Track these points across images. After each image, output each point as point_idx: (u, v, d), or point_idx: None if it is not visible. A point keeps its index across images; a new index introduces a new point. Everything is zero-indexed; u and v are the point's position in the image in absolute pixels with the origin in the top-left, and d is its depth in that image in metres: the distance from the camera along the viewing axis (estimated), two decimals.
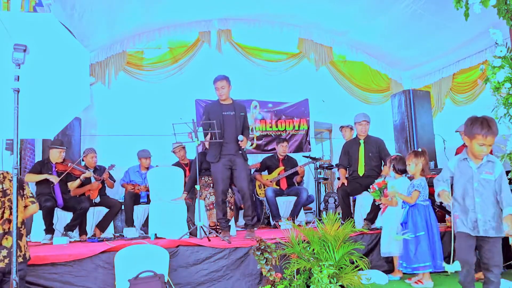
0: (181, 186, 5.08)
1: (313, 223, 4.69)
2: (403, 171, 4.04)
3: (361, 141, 5.04)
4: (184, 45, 7.18)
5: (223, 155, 4.34)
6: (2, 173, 2.76)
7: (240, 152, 4.36)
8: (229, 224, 4.54)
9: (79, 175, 5.13)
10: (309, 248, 3.55)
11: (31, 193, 2.93)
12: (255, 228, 4.67)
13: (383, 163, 5.02)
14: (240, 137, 4.30)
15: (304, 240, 3.64)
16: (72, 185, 5.09)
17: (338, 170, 5.34)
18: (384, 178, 4.30)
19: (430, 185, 4.16)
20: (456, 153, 5.63)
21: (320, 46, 7.59)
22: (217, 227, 4.70)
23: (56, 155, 4.94)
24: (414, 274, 3.70)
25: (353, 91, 7.97)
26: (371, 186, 4.19)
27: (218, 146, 4.34)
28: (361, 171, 4.97)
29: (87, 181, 5.31)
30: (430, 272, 3.66)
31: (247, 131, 4.51)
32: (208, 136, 4.35)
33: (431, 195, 3.92)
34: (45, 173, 4.86)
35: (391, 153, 5.15)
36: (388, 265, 4.18)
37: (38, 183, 4.88)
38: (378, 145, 5.01)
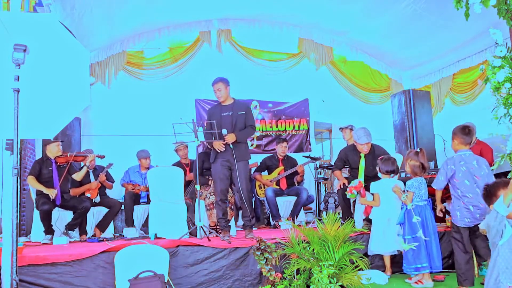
0: (181, 186, 5.08)
1: (313, 223, 4.69)
2: (390, 172, 4.05)
3: (362, 155, 4.94)
4: (184, 45, 7.19)
5: (221, 155, 4.35)
6: None
7: (234, 152, 4.29)
8: (229, 224, 4.54)
9: (83, 160, 5.10)
10: (309, 248, 3.55)
11: None
12: (254, 228, 4.67)
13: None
14: (224, 131, 4.25)
15: (304, 240, 3.64)
16: (79, 175, 5.07)
17: (333, 172, 5.26)
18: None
19: (429, 185, 4.17)
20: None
21: (320, 46, 7.59)
22: (217, 227, 4.70)
23: (54, 150, 4.90)
24: (415, 274, 3.71)
25: (353, 91, 7.96)
26: (348, 189, 4.22)
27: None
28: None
29: (86, 180, 5.31)
30: (431, 272, 3.66)
31: (249, 129, 4.45)
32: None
33: (432, 195, 3.95)
34: (45, 170, 4.84)
35: (391, 154, 5.14)
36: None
37: (39, 182, 4.86)
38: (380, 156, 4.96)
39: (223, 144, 4.27)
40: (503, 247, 2.21)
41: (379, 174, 4.18)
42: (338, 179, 5.06)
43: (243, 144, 4.42)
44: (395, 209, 3.93)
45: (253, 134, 4.57)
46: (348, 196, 4.34)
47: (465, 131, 3.54)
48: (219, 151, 4.32)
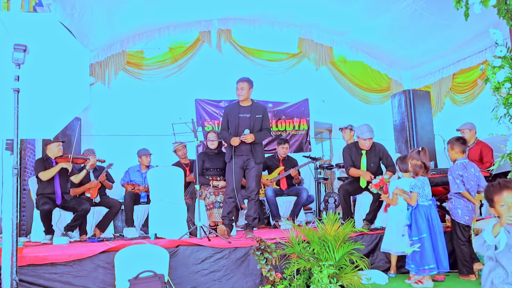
0: (181, 186, 5.08)
1: (313, 223, 4.68)
2: (406, 170, 4.05)
3: (363, 152, 4.96)
4: (184, 45, 7.19)
5: (236, 155, 4.43)
6: None
7: (253, 153, 4.43)
8: (232, 224, 4.56)
9: (83, 163, 5.14)
10: (309, 248, 3.55)
11: None
12: (255, 228, 4.69)
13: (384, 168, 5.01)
14: (246, 131, 4.38)
15: (304, 240, 3.64)
16: (77, 177, 5.08)
17: (348, 172, 5.08)
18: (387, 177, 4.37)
19: (433, 185, 4.19)
20: None
21: (320, 46, 7.59)
22: (217, 226, 4.70)
23: (55, 150, 4.88)
24: (423, 276, 3.69)
25: (353, 91, 7.97)
26: (370, 185, 4.35)
27: (232, 147, 4.45)
28: (363, 183, 4.87)
29: (86, 180, 5.31)
30: None
31: (265, 131, 4.54)
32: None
33: (434, 194, 3.98)
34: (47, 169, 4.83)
35: (391, 153, 5.14)
36: (388, 265, 4.18)
37: (40, 181, 4.85)
38: (380, 154, 4.95)
39: (240, 141, 4.36)
40: (499, 254, 2.21)
41: (399, 174, 4.18)
42: (360, 175, 4.88)
43: (260, 146, 4.54)
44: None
45: (268, 136, 4.73)
46: (373, 191, 4.46)
47: (461, 141, 3.99)
48: (234, 152, 4.41)
